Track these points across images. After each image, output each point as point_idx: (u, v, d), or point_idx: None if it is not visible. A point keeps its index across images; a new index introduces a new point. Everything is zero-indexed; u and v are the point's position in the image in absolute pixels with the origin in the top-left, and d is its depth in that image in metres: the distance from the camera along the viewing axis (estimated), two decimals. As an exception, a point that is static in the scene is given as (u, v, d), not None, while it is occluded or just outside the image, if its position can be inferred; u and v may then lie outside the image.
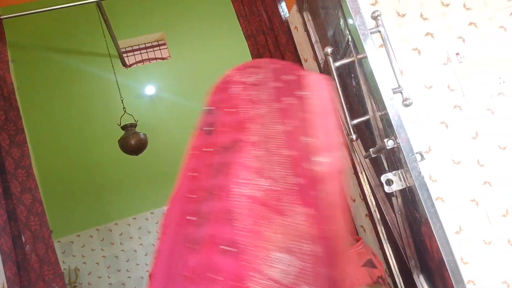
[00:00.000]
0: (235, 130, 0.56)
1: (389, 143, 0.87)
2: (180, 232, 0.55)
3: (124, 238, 4.09)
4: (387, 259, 1.35)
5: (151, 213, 4.17)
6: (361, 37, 0.88)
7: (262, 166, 0.53)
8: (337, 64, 0.98)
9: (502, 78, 1.49)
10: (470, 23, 1.53)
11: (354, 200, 1.63)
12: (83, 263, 3.99)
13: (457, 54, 1.51)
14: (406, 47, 1.48)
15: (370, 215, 1.40)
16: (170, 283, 0.53)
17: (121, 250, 4.08)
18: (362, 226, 1.60)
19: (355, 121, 1.01)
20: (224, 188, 0.53)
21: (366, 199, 1.38)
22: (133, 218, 4.16)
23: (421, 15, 1.51)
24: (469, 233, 1.37)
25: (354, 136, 1.00)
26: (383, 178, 0.90)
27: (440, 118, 1.44)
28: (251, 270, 0.47)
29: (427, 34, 1.50)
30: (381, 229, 1.33)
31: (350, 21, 0.92)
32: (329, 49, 0.98)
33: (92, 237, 4.06)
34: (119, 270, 4.03)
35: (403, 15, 1.50)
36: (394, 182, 0.89)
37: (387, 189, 0.89)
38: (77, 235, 4.05)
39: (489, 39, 1.51)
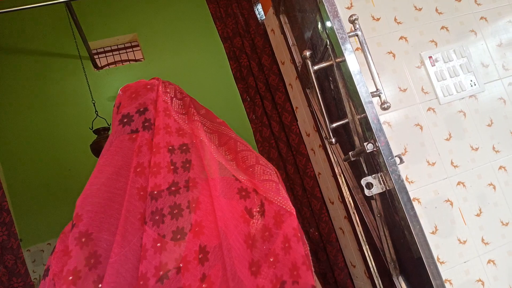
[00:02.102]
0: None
1: (369, 147, 0.87)
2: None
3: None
4: (366, 261, 1.36)
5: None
6: (339, 40, 0.88)
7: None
8: (316, 67, 0.98)
9: (473, 81, 1.53)
10: (442, 27, 1.57)
11: (332, 202, 1.64)
12: (55, 272, 3.84)
13: (430, 57, 1.54)
14: (381, 51, 1.50)
15: (348, 217, 1.40)
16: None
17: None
18: (341, 228, 1.61)
19: (334, 125, 1.01)
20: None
21: (345, 201, 1.38)
22: (107, 225, 4.03)
23: (395, 19, 1.53)
24: (445, 233, 1.39)
25: (333, 140, 1.00)
26: (363, 181, 0.90)
27: (415, 121, 1.46)
28: None
29: (401, 38, 1.53)
30: (359, 231, 1.34)
31: (328, 24, 0.92)
32: (307, 53, 0.97)
33: (63, 245, 3.92)
34: (93, 279, 3.90)
35: (378, 19, 1.52)
36: (374, 185, 0.89)
37: (367, 192, 0.89)
38: (48, 243, 3.90)
39: (460, 43, 1.55)
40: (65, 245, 0.68)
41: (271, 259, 0.59)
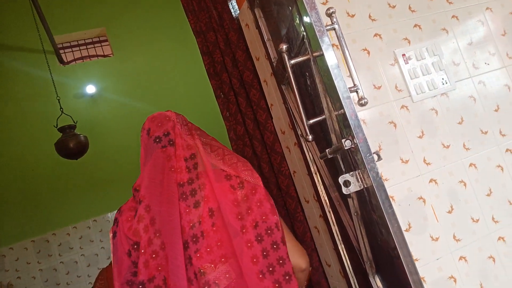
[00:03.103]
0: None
1: (347, 144, 0.85)
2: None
3: (63, 249, 3.80)
4: (342, 260, 1.35)
5: (94, 220, 3.92)
6: (317, 33, 0.85)
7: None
8: (293, 61, 0.95)
9: (445, 79, 1.55)
10: (415, 25, 1.58)
11: (308, 201, 1.62)
12: (17, 278, 3.65)
13: (403, 55, 1.54)
14: (356, 47, 1.49)
15: (324, 216, 1.38)
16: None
17: (60, 262, 3.79)
18: (316, 227, 1.59)
19: (311, 121, 0.98)
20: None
21: (321, 200, 1.36)
22: (73, 227, 3.88)
23: (370, 16, 1.53)
24: (418, 230, 1.40)
25: (310, 137, 0.97)
26: (341, 179, 0.87)
27: (389, 118, 1.46)
28: None
29: (375, 35, 1.52)
30: (335, 230, 1.32)
31: (305, 17, 0.88)
32: (284, 46, 0.93)
33: (27, 249, 3.73)
34: (58, 284, 3.74)
35: (353, 15, 1.51)
36: (352, 183, 0.87)
37: (345, 190, 0.87)
38: (10, 248, 3.70)
39: (433, 41, 1.57)
40: (133, 211, 1.13)
41: (249, 211, 1.08)
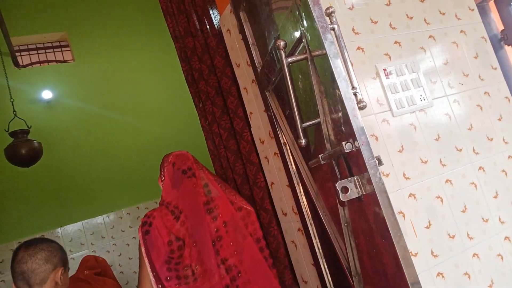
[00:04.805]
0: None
1: (347, 147, 0.80)
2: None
3: (6, 267, 3.45)
4: (322, 275, 1.28)
5: (42, 236, 3.61)
6: (320, 29, 0.81)
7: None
8: (290, 59, 0.90)
9: (423, 96, 1.57)
10: (395, 42, 1.60)
11: (285, 214, 1.55)
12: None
13: (385, 69, 1.55)
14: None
15: (304, 229, 1.32)
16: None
17: (1, 281, 3.43)
18: (293, 242, 1.52)
19: (305, 124, 0.93)
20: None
21: (302, 212, 1.30)
22: (18, 242, 3.54)
23: (353, 29, 1.53)
24: (398, 245, 1.37)
25: (303, 141, 0.91)
26: (338, 185, 0.82)
27: (371, 131, 1.45)
28: None
29: (358, 48, 1.52)
30: (316, 244, 1.26)
31: (307, 14, 0.84)
32: (281, 43, 0.89)
33: (-38, 266, 3.35)
34: (-2, 305, 3.37)
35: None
36: (350, 189, 0.82)
37: (342, 197, 0.81)
38: None
39: (412, 58, 1.59)
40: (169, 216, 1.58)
41: (247, 227, 1.58)
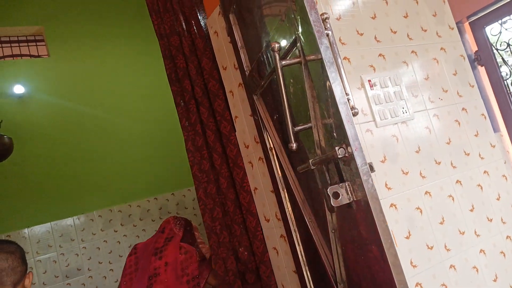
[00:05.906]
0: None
1: (340, 152, 0.80)
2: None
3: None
4: (304, 282, 1.27)
5: (7, 236, 3.43)
6: (316, 34, 0.81)
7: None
8: (284, 62, 0.89)
9: (405, 109, 1.60)
10: (380, 55, 1.63)
11: (268, 220, 1.54)
12: None
13: (369, 81, 1.58)
14: (326, 68, 1.49)
15: (288, 236, 1.31)
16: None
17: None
18: (275, 248, 1.51)
19: (297, 128, 0.92)
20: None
21: (286, 218, 1.29)
22: (-20, 244, 3.34)
23: (340, 39, 1.55)
24: (378, 254, 1.38)
25: (294, 146, 0.90)
26: (330, 190, 0.81)
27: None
28: None
29: (345, 58, 1.54)
30: (300, 250, 1.25)
31: (303, 18, 0.84)
32: (276, 45, 0.88)
33: None
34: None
35: (325, 36, 1.51)
36: (341, 195, 0.81)
37: (334, 203, 0.81)
38: None
39: (395, 71, 1.63)
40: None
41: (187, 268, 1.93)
